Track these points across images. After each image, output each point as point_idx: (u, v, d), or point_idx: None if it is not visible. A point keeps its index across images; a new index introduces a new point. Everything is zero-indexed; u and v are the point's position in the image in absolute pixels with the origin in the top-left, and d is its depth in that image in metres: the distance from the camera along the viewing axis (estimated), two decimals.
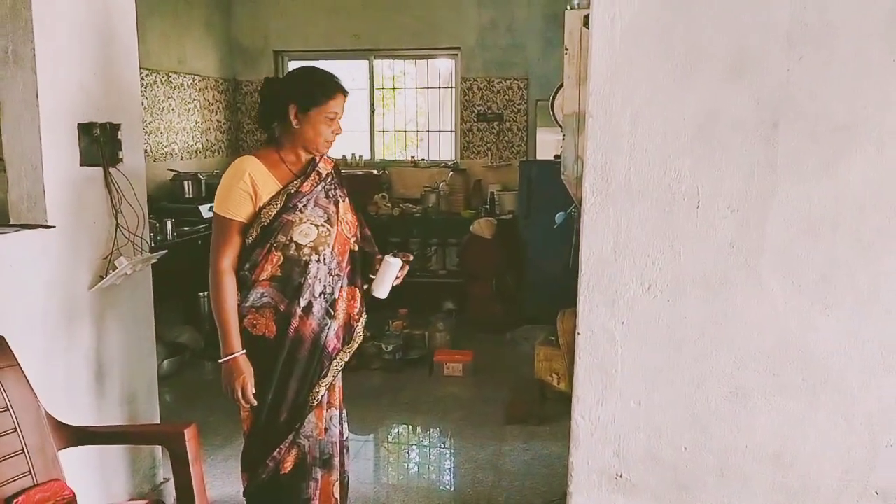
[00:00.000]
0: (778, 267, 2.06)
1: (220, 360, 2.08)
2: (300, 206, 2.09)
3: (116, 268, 2.38)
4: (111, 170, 2.45)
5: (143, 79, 2.47)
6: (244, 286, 2.10)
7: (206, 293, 4.75)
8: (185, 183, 5.14)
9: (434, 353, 4.52)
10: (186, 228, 4.68)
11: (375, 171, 6.16)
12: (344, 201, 2.23)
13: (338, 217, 2.18)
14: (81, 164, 2.36)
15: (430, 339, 4.75)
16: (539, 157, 5.78)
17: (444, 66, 6.35)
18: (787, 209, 2.03)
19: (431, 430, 3.79)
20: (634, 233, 2.15)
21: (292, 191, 2.09)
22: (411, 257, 2.32)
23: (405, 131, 6.57)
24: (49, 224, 2.22)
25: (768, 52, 1.99)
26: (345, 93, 2.14)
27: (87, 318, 2.41)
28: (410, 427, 3.84)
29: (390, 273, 2.22)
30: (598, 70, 2.09)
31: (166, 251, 2.65)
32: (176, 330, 4.63)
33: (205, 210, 4.90)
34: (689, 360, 2.17)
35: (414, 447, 3.67)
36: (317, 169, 2.16)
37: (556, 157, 5.39)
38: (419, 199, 5.96)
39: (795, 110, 1.99)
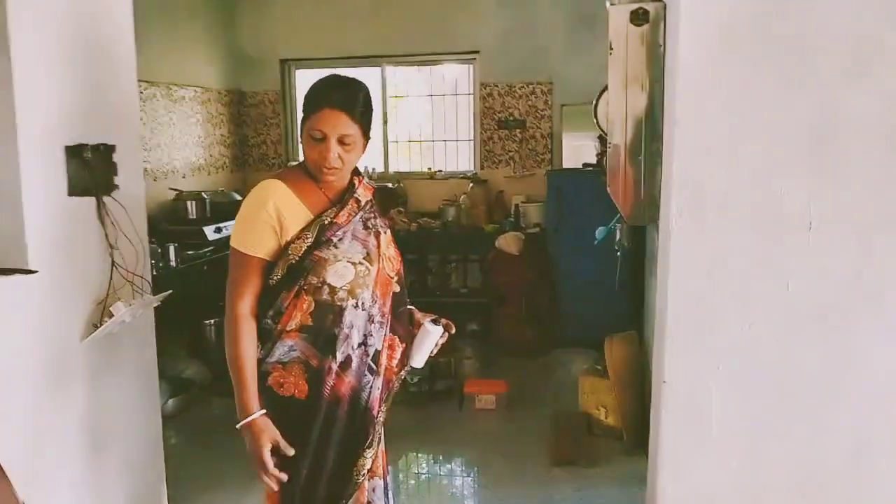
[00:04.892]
0: None
1: (237, 427, 1.72)
2: (335, 240, 1.73)
3: (113, 315, 2.03)
4: (105, 199, 2.11)
5: (141, 92, 2.21)
6: (268, 338, 1.74)
7: (212, 321, 4.46)
8: (189, 203, 4.83)
9: (463, 383, 4.14)
10: (190, 252, 4.32)
11: (390, 185, 5.80)
12: (385, 233, 1.87)
13: (378, 252, 1.81)
14: (70, 195, 2.02)
15: (458, 366, 4.38)
16: (566, 165, 5.43)
17: (451, 73, 5.99)
18: None
19: (466, 475, 3.42)
20: (733, 261, 1.82)
21: (326, 222, 1.73)
22: (454, 329, 2.00)
23: (420, 141, 6.21)
24: (30, 269, 1.87)
25: (894, 42, 1.66)
26: (335, 107, 1.67)
27: (81, 375, 2.07)
28: (443, 469, 3.47)
29: (429, 342, 1.91)
30: (688, 71, 1.76)
31: (171, 291, 2.29)
32: (181, 363, 4.27)
33: (210, 231, 4.57)
34: (802, 412, 1.85)
35: (448, 495, 3.29)
36: (355, 195, 1.81)
37: (586, 165, 5.05)
38: (437, 213, 5.60)
39: None
